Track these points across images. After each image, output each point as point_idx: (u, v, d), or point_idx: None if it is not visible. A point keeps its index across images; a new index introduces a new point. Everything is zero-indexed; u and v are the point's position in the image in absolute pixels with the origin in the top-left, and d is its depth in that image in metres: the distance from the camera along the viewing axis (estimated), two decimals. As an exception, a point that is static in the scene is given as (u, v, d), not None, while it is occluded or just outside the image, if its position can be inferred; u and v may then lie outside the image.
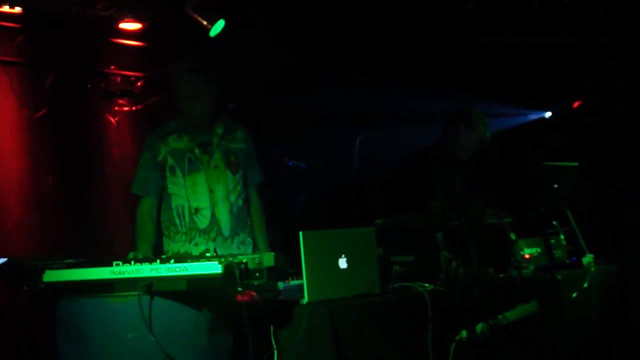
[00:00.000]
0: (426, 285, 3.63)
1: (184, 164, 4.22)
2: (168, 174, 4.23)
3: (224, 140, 4.30)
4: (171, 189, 4.23)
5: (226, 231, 4.24)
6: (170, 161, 4.22)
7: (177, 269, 3.15)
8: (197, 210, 4.21)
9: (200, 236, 4.20)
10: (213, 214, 4.21)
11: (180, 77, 4.20)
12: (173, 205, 4.23)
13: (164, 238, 4.30)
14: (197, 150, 4.24)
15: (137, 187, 4.29)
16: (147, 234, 4.19)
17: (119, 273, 3.19)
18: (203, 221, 4.21)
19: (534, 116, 7.66)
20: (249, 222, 4.37)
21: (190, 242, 4.20)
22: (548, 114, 7.69)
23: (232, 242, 4.25)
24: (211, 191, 4.22)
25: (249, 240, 4.35)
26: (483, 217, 4.24)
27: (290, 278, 3.59)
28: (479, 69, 7.01)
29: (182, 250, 4.18)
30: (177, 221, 4.22)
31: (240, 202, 4.31)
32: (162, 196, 4.27)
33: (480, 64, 6.99)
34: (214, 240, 4.20)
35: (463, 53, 7.01)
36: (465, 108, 5.25)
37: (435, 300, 3.54)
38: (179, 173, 4.21)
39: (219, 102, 4.36)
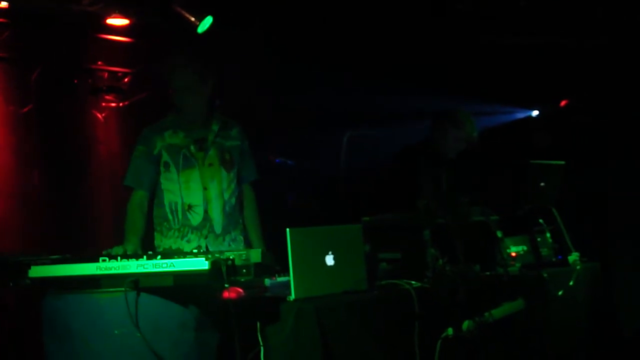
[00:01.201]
0: (413, 282, 3.64)
1: (178, 160, 4.21)
2: (162, 169, 4.22)
3: (219, 138, 4.30)
4: (164, 184, 4.23)
5: (218, 229, 4.23)
6: (165, 157, 4.21)
7: (164, 265, 3.16)
8: (190, 207, 4.20)
9: (192, 233, 4.20)
10: (206, 212, 4.21)
11: (175, 71, 4.19)
12: (166, 202, 4.23)
13: (155, 233, 4.29)
14: (192, 147, 4.23)
15: (131, 179, 4.26)
16: (136, 228, 4.16)
17: (106, 269, 3.19)
18: (196, 218, 4.21)
19: (520, 115, 7.69)
20: (241, 220, 4.37)
21: (182, 239, 4.20)
22: (535, 113, 7.72)
23: (224, 239, 4.25)
24: (205, 188, 4.22)
25: (241, 238, 4.35)
26: (469, 215, 4.25)
27: (277, 275, 3.60)
28: (466, 67, 7.03)
29: (174, 247, 4.18)
30: (170, 217, 4.22)
31: (234, 201, 4.31)
32: (155, 192, 4.25)
33: (467, 62, 7.01)
34: (206, 237, 4.20)
35: (450, 52, 7.02)
36: (452, 107, 5.27)
37: (421, 297, 3.55)
38: (173, 169, 4.20)
39: (214, 99, 4.35)
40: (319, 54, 6.80)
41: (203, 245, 4.15)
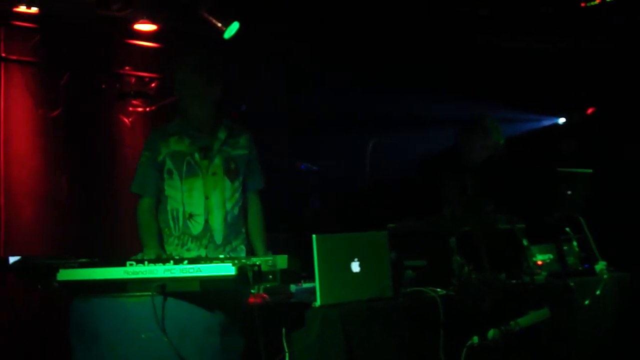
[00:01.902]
0: (438, 290, 3.63)
1: (182, 167, 4.15)
2: (166, 176, 4.16)
3: (225, 146, 4.22)
4: (168, 191, 4.17)
5: (219, 239, 4.16)
6: (169, 164, 4.16)
7: (191, 270, 3.16)
8: (191, 215, 4.14)
9: (192, 242, 4.14)
10: (207, 221, 4.14)
11: (181, 76, 4.13)
12: (168, 208, 4.17)
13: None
14: (197, 155, 4.16)
15: (137, 186, 4.24)
16: (152, 231, 4.15)
17: (133, 273, 3.20)
18: (196, 227, 4.14)
19: (547, 122, 7.65)
20: (243, 230, 4.28)
21: (182, 247, 4.14)
22: (561, 120, 7.67)
23: (224, 250, 4.16)
24: (207, 197, 4.15)
25: (242, 247, 4.26)
26: (495, 222, 4.23)
27: (302, 281, 3.60)
28: (492, 74, 7.00)
29: (174, 254, 4.11)
30: (172, 224, 4.16)
31: (236, 211, 4.23)
32: (160, 197, 4.21)
33: (494, 69, 6.98)
34: (205, 247, 4.13)
35: (477, 59, 7.00)
36: (479, 114, 5.24)
37: (447, 305, 3.54)
38: (176, 177, 4.15)
39: (223, 104, 4.29)
40: (345, 60, 6.81)
41: (203, 254, 4.08)
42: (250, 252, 4.27)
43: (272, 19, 6.32)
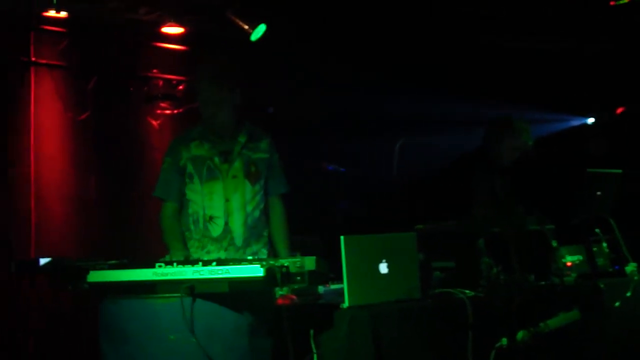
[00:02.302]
0: (467, 291, 3.62)
1: (202, 171, 4.17)
2: (187, 180, 4.19)
3: (245, 149, 4.24)
4: (189, 195, 4.20)
5: (239, 241, 4.16)
6: (190, 168, 4.19)
7: (219, 272, 3.18)
8: (211, 218, 4.16)
9: (212, 244, 4.15)
10: (227, 224, 4.15)
11: (202, 84, 4.16)
12: (189, 212, 4.20)
13: None
14: (216, 159, 4.19)
15: (160, 191, 4.27)
16: (177, 234, 4.18)
17: (162, 274, 3.22)
18: (216, 229, 4.15)
19: (576, 122, 7.59)
20: (265, 234, 4.28)
21: (202, 250, 4.16)
22: (591, 120, 7.61)
23: (244, 252, 4.16)
24: (227, 200, 4.16)
25: (264, 251, 4.25)
26: (524, 223, 4.21)
27: (330, 282, 3.60)
28: (521, 74, 6.96)
29: (195, 257, 4.12)
30: (192, 227, 4.19)
31: (257, 214, 4.24)
32: (182, 201, 4.24)
33: (522, 69, 6.95)
34: (225, 249, 4.14)
35: (505, 60, 6.97)
36: (508, 115, 5.21)
37: (475, 306, 3.53)
38: (196, 180, 4.17)
39: (246, 108, 4.31)
40: (372, 61, 6.80)
41: (223, 257, 4.08)
42: (273, 257, 4.23)
43: (299, 21, 6.33)
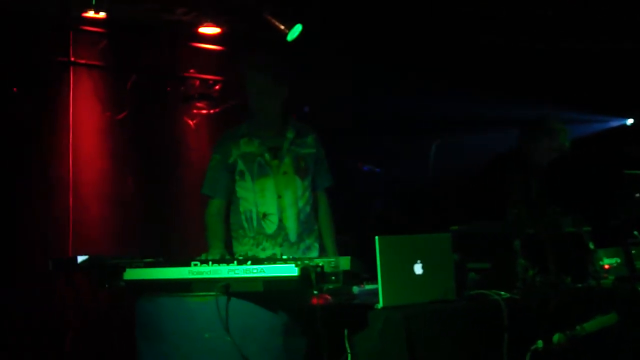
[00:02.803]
0: (502, 293, 3.59)
1: (253, 168, 4.22)
2: (237, 177, 4.24)
3: (294, 145, 4.29)
4: (240, 192, 4.24)
5: (293, 237, 4.22)
6: (241, 165, 4.23)
7: (254, 271, 3.19)
8: (265, 215, 4.21)
9: (267, 241, 4.20)
10: (280, 220, 4.20)
11: (251, 74, 4.20)
12: (241, 210, 4.24)
13: (232, 241, 4.32)
14: (267, 155, 4.23)
15: (207, 188, 4.31)
16: (218, 233, 4.21)
17: (197, 273, 3.25)
18: (270, 226, 4.21)
19: (614, 123, 7.50)
20: (315, 228, 4.34)
21: (257, 247, 4.21)
22: (629, 121, 7.51)
23: (298, 247, 4.23)
24: (279, 197, 4.21)
25: (316, 245, 4.32)
26: (560, 225, 4.17)
27: (365, 282, 3.59)
28: (558, 74, 6.89)
29: (249, 254, 4.18)
30: (246, 225, 4.23)
31: (308, 209, 4.29)
32: (232, 199, 4.28)
33: (560, 69, 6.88)
34: (280, 245, 4.20)
35: (541, 59, 6.91)
36: (544, 115, 5.16)
37: (511, 308, 3.50)
38: (247, 177, 4.22)
39: (290, 105, 4.35)
40: (407, 61, 6.78)
41: (278, 253, 4.13)
42: (322, 250, 4.32)
43: (334, 20, 6.33)
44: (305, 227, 4.26)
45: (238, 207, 4.25)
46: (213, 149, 4.36)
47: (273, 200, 4.20)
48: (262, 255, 4.14)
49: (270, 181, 4.21)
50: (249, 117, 4.31)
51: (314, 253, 4.28)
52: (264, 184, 4.21)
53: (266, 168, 4.23)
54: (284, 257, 3.78)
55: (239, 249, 4.25)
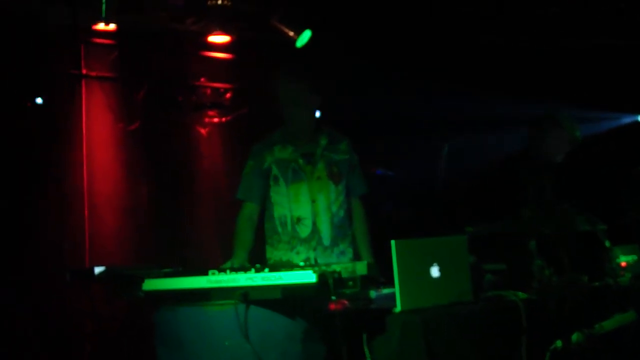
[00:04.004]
0: (519, 294, 3.56)
1: (287, 173, 4.27)
2: (272, 183, 4.29)
3: (327, 151, 4.33)
4: (274, 198, 4.29)
5: (327, 241, 4.26)
6: (275, 171, 4.28)
7: (272, 278, 3.20)
8: (299, 219, 4.25)
9: (301, 245, 4.24)
10: (314, 224, 4.24)
11: (283, 84, 4.25)
12: (275, 215, 4.29)
13: (266, 246, 4.36)
14: (300, 161, 4.28)
15: (242, 193, 4.35)
16: (245, 240, 4.24)
17: (216, 282, 3.25)
18: (304, 230, 4.25)
19: (627, 119, 7.47)
20: (349, 233, 4.37)
21: (292, 250, 4.25)
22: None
23: (332, 252, 4.27)
24: (313, 201, 4.26)
25: (350, 250, 4.35)
26: (575, 224, 4.15)
27: (382, 287, 3.59)
28: (568, 71, 6.88)
29: (284, 258, 4.24)
30: (280, 230, 4.28)
31: (342, 213, 4.33)
32: (266, 205, 4.33)
33: (569, 66, 6.86)
34: (314, 249, 4.23)
35: (549, 57, 6.89)
36: (551, 109, 5.15)
37: (529, 309, 3.48)
38: (282, 182, 4.26)
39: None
40: (416, 62, 6.77)
41: (312, 257, 4.15)
42: (356, 256, 4.35)
43: (339, 24, 6.32)
44: (339, 232, 4.31)
45: (272, 213, 4.31)
46: (248, 157, 4.40)
47: (307, 205, 4.25)
48: (297, 259, 4.18)
49: (304, 186, 4.26)
50: (282, 125, 4.35)
51: (348, 258, 4.32)
52: (298, 189, 4.26)
53: (300, 173, 4.28)
54: (318, 261, 3.83)
55: (274, 254, 4.30)
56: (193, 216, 6.20)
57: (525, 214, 4.32)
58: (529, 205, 4.57)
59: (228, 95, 6.49)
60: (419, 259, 3.36)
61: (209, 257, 5.79)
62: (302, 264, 3.33)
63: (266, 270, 3.23)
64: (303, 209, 4.25)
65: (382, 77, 6.76)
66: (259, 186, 4.30)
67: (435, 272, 3.38)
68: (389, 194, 6.99)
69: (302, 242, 4.24)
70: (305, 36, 5.83)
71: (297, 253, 4.23)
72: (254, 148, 4.39)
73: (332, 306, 3.20)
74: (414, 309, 3.26)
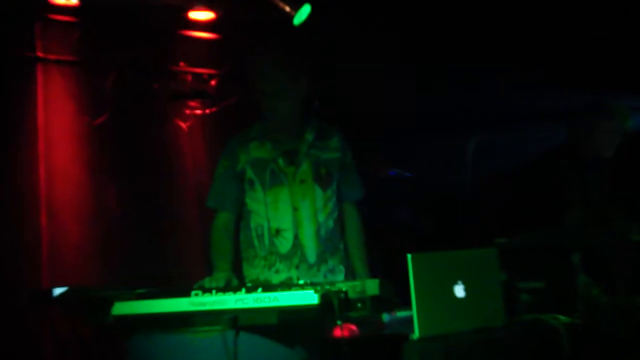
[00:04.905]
0: (561, 317, 3.59)
1: (264, 176, 4.22)
2: (247, 187, 4.25)
3: (313, 149, 4.28)
4: (250, 205, 4.25)
5: (312, 257, 4.20)
6: (250, 173, 4.24)
7: (267, 300, 3.19)
8: (277, 231, 4.19)
9: (281, 262, 4.19)
10: (296, 237, 4.19)
11: (261, 72, 4.18)
12: (252, 225, 4.25)
13: (243, 262, 4.33)
14: (280, 161, 4.23)
15: (213, 200, 4.33)
16: (224, 251, 4.21)
17: (199, 304, 3.25)
18: (285, 244, 4.19)
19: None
20: (341, 247, 4.33)
21: (270, 269, 4.20)
22: None
23: (319, 270, 4.21)
24: (295, 209, 4.20)
25: (341, 268, 4.30)
26: (628, 232, 4.16)
27: (396, 309, 3.58)
28: (614, 59, 6.88)
29: (261, 278, 4.19)
30: (256, 243, 4.23)
31: (331, 224, 4.28)
32: (242, 213, 4.29)
33: (618, 54, 6.87)
34: (297, 267, 4.18)
35: (596, 41, 6.90)
36: (599, 99, 5.16)
37: (572, 335, 3.50)
38: (258, 187, 4.22)
39: (309, 102, 4.34)
40: (438, 50, 6.78)
41: (294, 276, 4.13)
42: (350, 274, 4.30)
43: (356, 7, 6.32)
44: (328, 246, 4.24)
45: (249, 222, 4.26)
46: (221, 154, 4.37)
47: (287, 214, 4.19)
48: (276, 279, 4.13)
49: (284, 191, 4.21)
50: (261, 118, 4.31)
51: (339, 277, 4.26)
52: (278, 195, 4.20)
53: (280, 176, 4.23)
54: (301, 281, 3.75)
55: (250, 272, 4.25)
56: (172, 224, 6.20)
57: (568, 222, 4.33)
58: (572, 211, 4.58)
59: (213, 82, 6.49)
60: (441, 275, 3.36)
61: (191, 272, 5.77)
62: (301, 282, 3.30)
63: (259, 290, 3.23)
64: (283, 219, 4.18)
65: (400, 62, 6.76)
66: (233, 191, 4.26)
67: (459, 291, 3.39)
68: (405, 198, 7.00)
69: (282, 259, 4.17)
70: (304, 12, 5.82)
71: (277, 272, 4.17)
72: (228, 144, 4.35)
73: (338, 332, 3.20)
74: (434, 336, 3.26)
